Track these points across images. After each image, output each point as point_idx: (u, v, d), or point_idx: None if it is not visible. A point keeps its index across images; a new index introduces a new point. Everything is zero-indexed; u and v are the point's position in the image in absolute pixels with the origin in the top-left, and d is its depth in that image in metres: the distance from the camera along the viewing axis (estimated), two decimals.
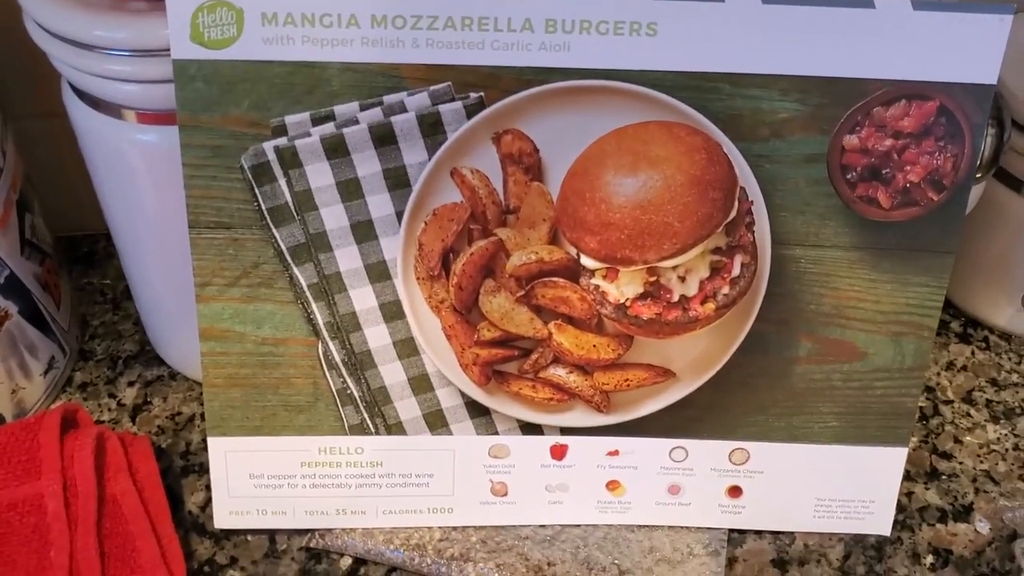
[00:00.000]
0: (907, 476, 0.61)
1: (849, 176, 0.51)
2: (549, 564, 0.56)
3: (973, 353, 0.69)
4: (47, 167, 0.70)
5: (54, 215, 0.68)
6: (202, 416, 0.65)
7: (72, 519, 0.54)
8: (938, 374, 0.68)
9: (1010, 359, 0.69)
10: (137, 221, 0.58)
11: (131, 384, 0.67)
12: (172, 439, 0.64)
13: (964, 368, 0.68)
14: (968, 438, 0.64)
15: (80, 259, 0.75)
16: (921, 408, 0.66)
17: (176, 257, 0.57)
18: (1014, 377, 0.68)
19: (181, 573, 0.55)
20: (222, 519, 0.57)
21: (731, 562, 0.57)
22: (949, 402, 0.66)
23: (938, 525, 0.59)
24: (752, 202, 0.51)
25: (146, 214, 0.57)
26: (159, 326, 0.66)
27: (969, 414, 0.65)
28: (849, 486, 0.57)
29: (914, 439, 0.64)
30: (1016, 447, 0.63)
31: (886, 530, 0.58)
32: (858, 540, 0.58)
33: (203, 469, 0.62)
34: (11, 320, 0.60)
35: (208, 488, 0.60)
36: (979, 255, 0.68)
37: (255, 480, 0.56)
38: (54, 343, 0.65)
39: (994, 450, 0.63)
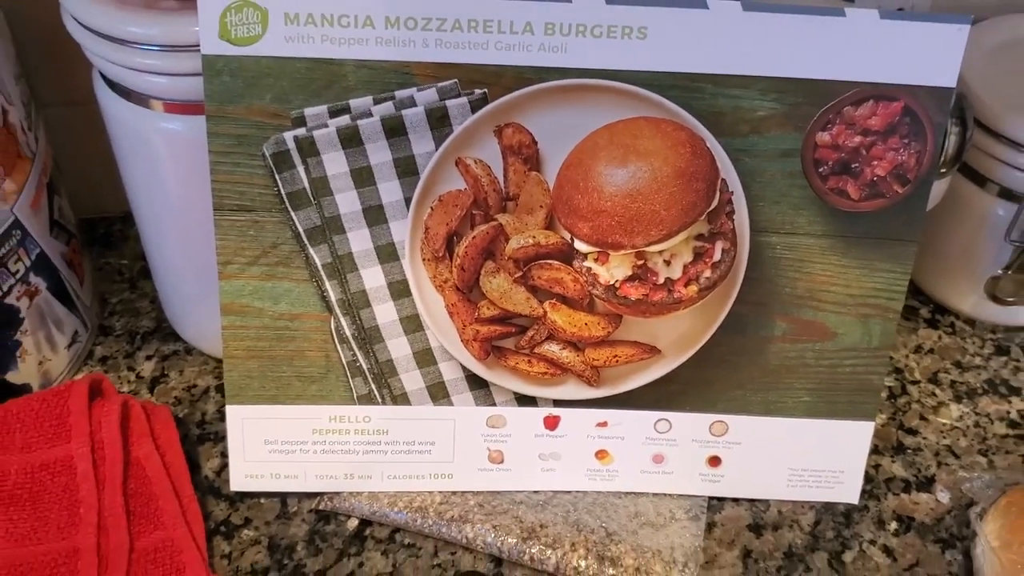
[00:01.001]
0: (875, 450, 0.66)
1: (821, 170, 0.55)
2: (542, 526, 0.61)
3: (940, 337, 0.74)
4: (67, 152, 0.74)
5: (74, 198, 0.72)
6: (217, 388, 0.69)
7: (100, 479, 0.59)
8: (907, 356, 0.73)
9: (974, 343, 0.74)
10: (160, 204, 0.62)
11: (149, 358, 0.71)
12: (188, 409, 0.68)
13: (931, 351, 0.73)
14: (933, 416, 0.69)
15: (98, 240, 0.79)
16: (890, 388, 0.70)
17: (195, 239, 0.62)
18: (977, 360, 0.73)
19: (200, 530, 0.59)
20: (238, 482, 0.61)
21: (710, 527, 0.62)
22: (916, 382, 0.71)
23: (902, 495, 0.64)
24: (732, 193, 0.56)
25: (169, 198, 0.61)
26: (177, 304, 0.70)
27: (934, 394, 0.70)
28: (820, 457, 0.62)
29: (882, 416, 0.68)
30: (976, 424, 0.68)
31: (854, 498, 0.63)
32: (828, 507, 0.63)
33: (218, 437, 0.66)
34: (40, 295, 0.65)
35: (223, 455, 0.65)
36: (946, 246, 0.72)
37: (269, 446, 0.61)
38: (78, 318, 0.69)
39: (956, 427, 0.68)
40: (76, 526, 0.57)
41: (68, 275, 0.67)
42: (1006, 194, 0.67)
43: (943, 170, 0.63)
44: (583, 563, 0.59)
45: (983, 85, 0.66)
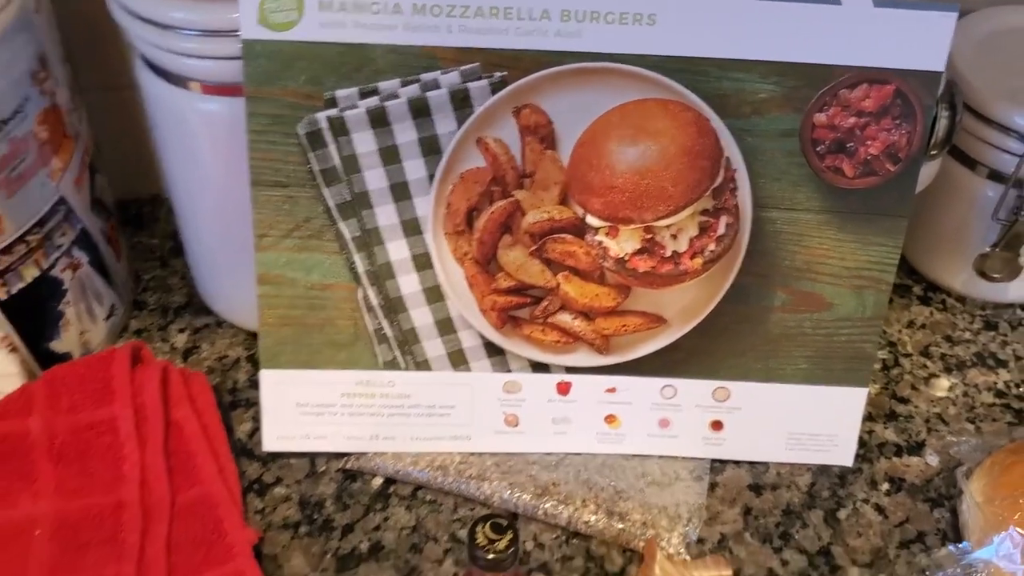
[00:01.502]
0: (868, 417, 0.70)
1: (818, 149, 0.59)
2: (554, 484, 0.64)
3: (931, 313, 0.78)
4: (99, 137, 0.78)
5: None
6: (247, 358, 0.73)
7: (142, 439, 0.63)
8: (900, 331, 0.76)
9: (964, 319, 0.78)
10: (196, 182, 0.66)
11: (181, 331, 0.75)
12: (220, 378, 0.72)
13: (923, 326, 0.77)
14: (923, 386, 0.72)
15: (130, 221, 0.83)
16: (883, 360, 0.74)
17: (229, 215, 0.66)
18: (966, 335, 0.76)
19: (236, 487, 0.63)
20: (270, 443, 0.65)
21: (713, 487, 0.66)
22: (908, 355, 0.75)
23: (894, 458, 0.68)
24: (736, 170, 0.59)
25: (205, 176, 0.65)
26: (209, 279, 0.74)
27: (925, 365, 0.74)
28: (817, 421, 0.66)
29: (876, 386, 0.72)
30: (965, 394, 0.72)
31: (849, 461, 0.67)
32: (824, 470, 0.67)
33: (249, 403, 0.70)
34: (82, 269, 0.68)
35: (254, 419, 0.69)
36: (938, 226, 0.76)
37: (301, 408, 0.64)
38: (115, 292, 0.73)
39: (946, 396, 0.72)
40: (120, 482, 0.61)
41: (107, 251, 0.71)
42: (995, 176, 0.71)
43: (934, 152, 0.67)
44: (593, 518, 0.63)
45: (973, 72, 0.70)
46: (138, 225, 0.83)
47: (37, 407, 0.63)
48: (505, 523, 0.50)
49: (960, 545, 0.60)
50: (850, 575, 0.61)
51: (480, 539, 0.49)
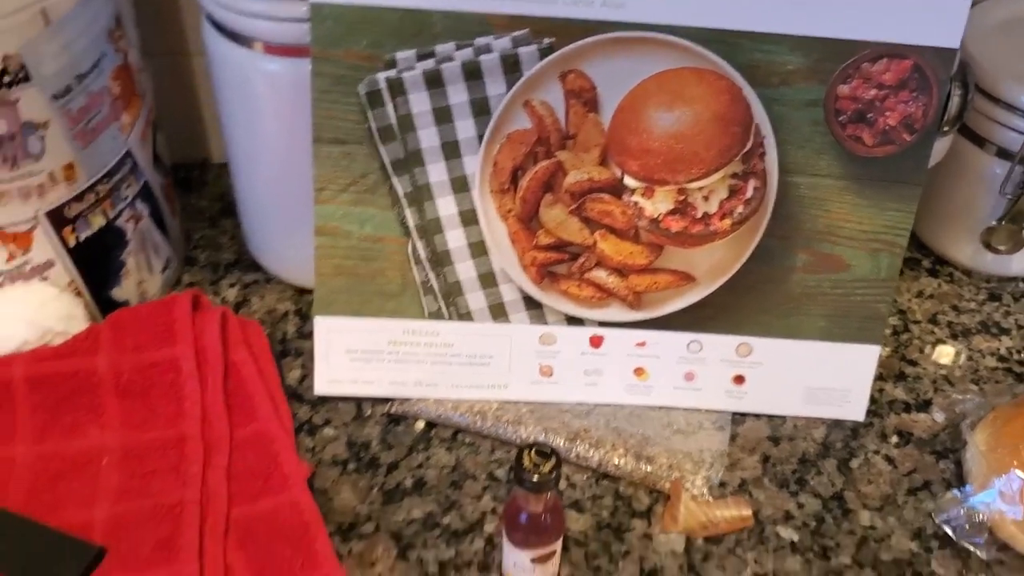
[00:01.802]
0: (879, 377, 0.74)
1: (841, 118, 0.63)
2: (585, 430, 0.69)
3: (939, 285, 0.82)
4: (157, 100, 0.82)
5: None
6: (295, 312, 0.77)
7: (202, 378, 0.67)
8: (909, 300, 0.81)
9: (970, 290, 0.82)
10: (255, 141, 0.70)
11: (232, 285, 0.79)
12: (270, 330, 0.76)
13: (931, 296, 0.81)
14: (930, 350, 0.77)
15: (180, 183, 0.87)
16: (894, 326, 0.79)
17: (284, 174, 0.70)
18: (972, 305, 0.81)
19: (289, 424, 0.68)
20: (322, 386, 0.70)
21: (733, 437, 0.70)
22: (917, 322, 0.79)
23: (903, 414, 0.72)
24: (764, 137, 0.64)
25: (264, 134, 0.70)
26: (260, 236, 0.78)
27: (933, 332, 0.78)
28: (832, 377, 0.70)
29: (887, 349, 0.76)
30: (970, 358, 0.76)
31: (861, 416, 0.71)
32: (837, 423, 0.71)
33: (297, 353, 0.74)
34: (143, 222, 0.73)
35: (303, 367, 0.73)
36: (947, 202, 0.80)
37: (350, 354, 0.69)
38: (170, 247, 0.77)
39: (951, 360, 0.76)
40: (182, 417, 0.65)
41: (164, 206, 0.76)
42: (1003, 153, 0.75)
43: (946, 128, 0.71)
44: (622, 460, 0.67)
45: (985, 55, 0.74)
46: (188, 188, 0.88)
47: (103, 346, 0.67)
48: (549, 450, 0.54)
49: (964, 489, 0.65)
50: (861, 518, 0.66)
51: (527, 463, 0.54)
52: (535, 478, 0.54)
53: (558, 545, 0.58)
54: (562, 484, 0.67)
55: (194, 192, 0.87)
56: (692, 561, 0.63)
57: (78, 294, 0.70)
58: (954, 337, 0.78)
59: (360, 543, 0.63)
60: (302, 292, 0.79)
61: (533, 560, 0.58)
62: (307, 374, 0.72)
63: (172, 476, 0.62)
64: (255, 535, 0.60)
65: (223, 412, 0.66)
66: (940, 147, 0.73)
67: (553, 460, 0.54)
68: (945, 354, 0.76)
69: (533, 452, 0.54)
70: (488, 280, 0.68)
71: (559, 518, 0.57)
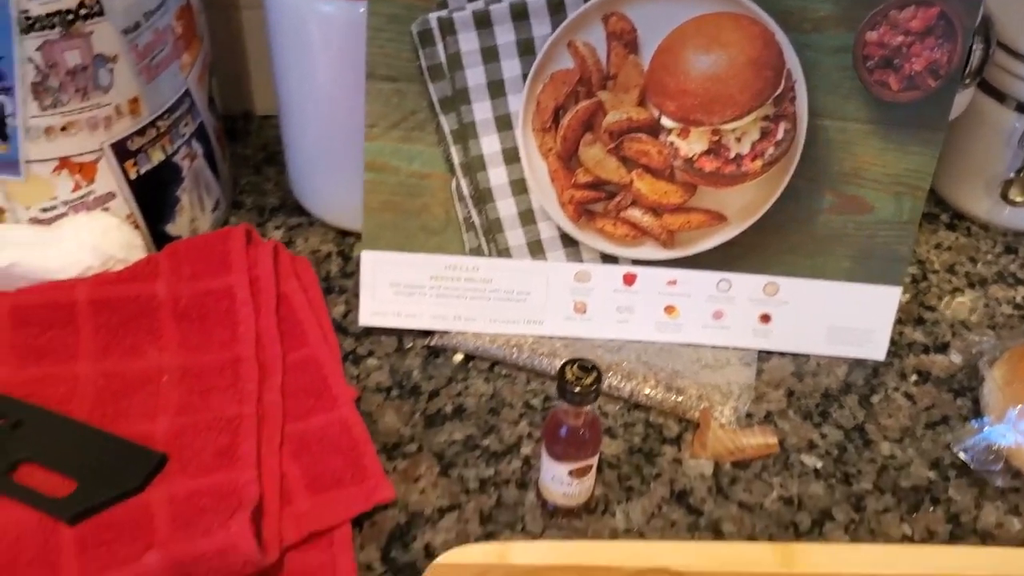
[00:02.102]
0: (898, 321, 0.77)
1: (868, 64, 0.66)
2: (617, 364, 0.72)
3: (957, 238, 0.86)
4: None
5: None
6: (338, 253, 0.81)
7: (256, 306, 0.70)
8: (928, 251, 0.84)
9: (987, 244, 0.85)
10: (307, 84, 0.74)
11: (277, 228, 0.83)
12: (315, 269, 0.79)
13: (949, 248, 0.85)
14: (949, 297, 0.80)
15: (225, 133, 0.91)
16: (913, 275, 0.82)
17: (333, 118, 0.74)
18: (989, 257, 0.84)
19: (336, 352, 0.71)
20: (366, 318, 0.73)
21: (759, 373, 0.73)
22: (936, 272, 0.82)
23: (921, 355, 0.75)
24: (795, 81, 0.67)
25: (316, 77, 0.73)
26: (306, 180, 0.81)
27: (951, 281, 0.82)
28: (855, 317, 0.73)
29: (906, 295, 0.80)
30: (986, 305, 0.79)
31: (881, 355, 0.74)
32: (859, 363, 0.74)
33: (341, 290, 0.78)
34: (197, 161, 0.76)
35: (346, 303, 0.76)
36: (965, 157, 0.83)
37: (394, 288, 0.72)
38: (220, 188, 0.81)
39: (968, 307, 0.79)
40: (237, 341, 0.69)
41: (217, 148, 0.79)
42: (1022, 108, 0.78)
43: (967, 80, 0.75)
44: (653, 391, 0.70)
45: (1008, 13, 0.77)
46: (232, 138, 0.91)
47: (162, 273, 0.70)
48: (590, 365, 0.57)
49: (981, 420, 0.68)
50: (882, 448, 0.69)
51: (569, 376, 0.57)
52: (576, 390, 0.57)
53: (595, 460, 0.61)
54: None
55: (239, 142, 0.91)
56: (720, 484, 0.66)
57: (136, 227, 0.73)
58: (971, 286, 0.81)
59: (404, 461, 0.66)
60: (344, 234, 0.82)
61: (571, 473, 0.61)
62: (350, 310, 0.76)
63: (229, 393, 0.66)
64: (308, 448, 0.64)
65: (276, 337, 0.69)
66: (960, 101, 0.76)
67: (594, 374, 0.57)
68: (962, 301, 0.79)
69: (576, 366, 0.57)
70: (527, 217, 0.71)
71: (596, 433, 0.60)
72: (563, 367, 0.57)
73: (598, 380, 0.57)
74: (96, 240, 0.69)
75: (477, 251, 0.72)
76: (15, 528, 0.59)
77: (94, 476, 0.61)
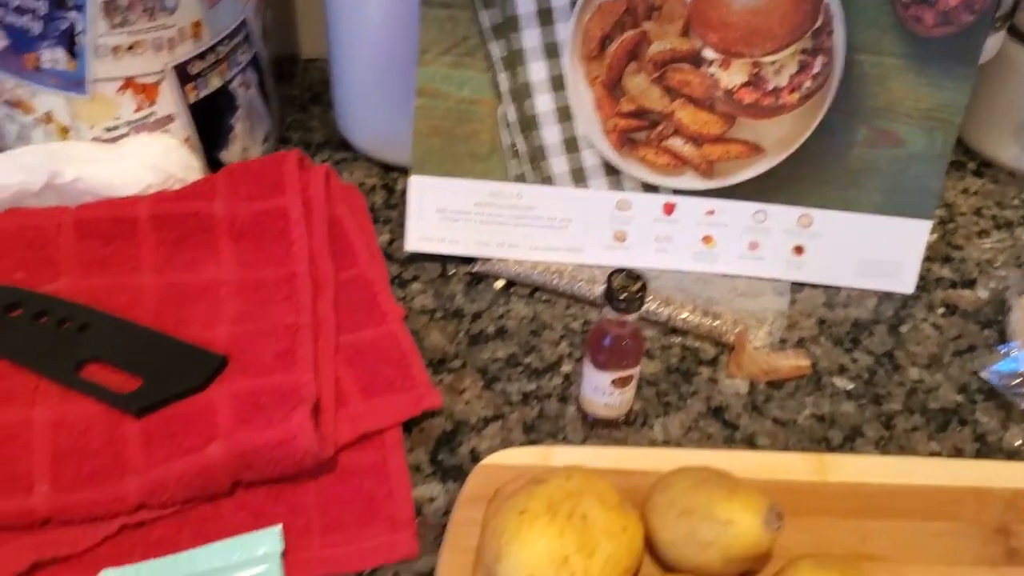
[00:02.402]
0: (927, 259, 0.79)
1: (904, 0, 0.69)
2: (655, 291, 0.74)
3: (984, 184, 0.88)
4: None
5: None
6: (382, 186, 0.83)
7: (309, 226, 0.73)
8: (955, 196, 0.86)
9: (1012, 190, 0.87)
10: (359, 15, 0.76)
11: (323, 161, 0.86)
12: None
13: (976, 193, 0.87)
14: (976, 238, 0.82)
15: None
16: (940, 216, 0.84)
17: (383, 52, 0.76)
18: (1015, 202, 0.86)
19: (384, 272, 0.73)
20: (413, 243, 0.76)
21: (792, 302, 0.76)
22: (963, 214, 0.84)
23: (949, 290, 0.78)
24: (833, 16, 0.69)
25: (368, 8, 0.75)
26: (353, 115, 0.84)
27: (978, 223, 0.84)
28: (885, 250, 0.75)
29: (934, 235, 0.82)
30: (1013, 246, 0.82)
31: (910, 288, 0.77)
32: (888, 295, 0.77)
33: (385, 220, 0.80)
34: (251, 90, 0.79)
35: (391, 232, 0.79)
36: (993, 104, 0.86)
37: (441, 214, 0.75)
38: (271, 120, 0.83)
39: (995, 247, 0.81)
40: (291, 258, 0.71)
41: (267, 80, 0.82)
42: None
43: (997, 24, 0.77)
44: (690, 316, 0.73)
45: None
46: (279, 78, 0.94)
47: (220, 193, 0.73)
48: (637, 275, 0.60)
49: (1008, 344, 0.70)
50: (911, 373, 0.71)
51: (616, 284, 0.60)
52: (623, 296, 0.59)
53: (636, 371, 0.64)
54: None
55: (285, 83, 0.94)
56: (755, 401, 0.69)
57: (192, 150, 0.76)
58: (998, 228, 0.83)
59: (450, 375, 0.69)
60: (388, 169, 0.85)
61: (613, 382, 0.63)
62: (395, 238, 0.78)
63: (285, 304, 0.68)
64: (360, 357, 0.67)
65: (328, 256, 0.72)
66: (990, 45, 0.79)
67: (640, 283, 0.60)
68: (989, 241, 0.82)
69: (623, 275, 0.60)
70: (571, 145, 0.73)
71: (639, 344, 0.63)
72: (611, 275, 0.60)
73: (643, 289, 0.60)
74: (157, 159, 0.72)
75: (521, 178, 0.74)
76: (84, 420, 0.61)
77: (158, 374, 0.63)
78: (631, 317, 0.61)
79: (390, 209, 0.81)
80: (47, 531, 0.57)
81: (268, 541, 0.58)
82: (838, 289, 0.77)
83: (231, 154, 0.79)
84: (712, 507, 0.54)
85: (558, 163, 0.74)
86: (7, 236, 0.70)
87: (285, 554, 0.58)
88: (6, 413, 0.61)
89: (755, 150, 0.73)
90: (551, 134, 0.73)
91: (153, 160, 0.72)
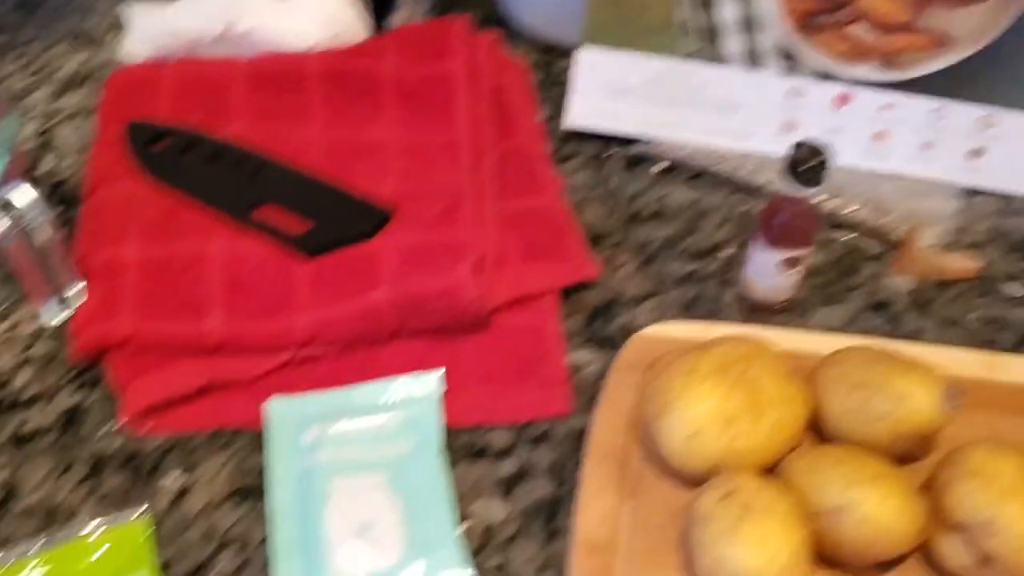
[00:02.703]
0: None
1: None
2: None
3: None
4: None
5: None
6: (543, 64, 0.82)
7: (473, 92, 0.73)
8: None
9: None
10: None
11: None
12: None
13: None
14: None
15: None
16: None
17: None
18: None
19: (543, 145, 0.73)
20: (575, 118, 0.75)
21: (965, 207, 0.72)
22: None
23: None
24: None
25: None
26: None
27: None
28: None
29: None
30: None
31: None
32: None
33: (543, 99, 0.79)
34: None
35: (548, 110, 0.78)
36: None
37: (605, 89, 0.73)
38: None
39: None
40: (453, 124, 0.71)
41: None
42: None
43: None
44: (858, 210, 0.70)
45: None
46: None
47: (388, 54, 0.73)
48: (820, 148, 0.58)
49: None
50: None
51: (798, 154, 0.58)
52: (804, 168, 0.57)
53: (806, 253, 0.62)
54: None
55: None
56: (920, 300, 0.66)
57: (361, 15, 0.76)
58: None
59: (607, 250, 0.68)
60: (545, 50, 0.83)
61: (781, 263, 0.62)
62: (553, 116, 0.77)
63: (449, 167, 0.68)
64: (520, 223, 0.67)
65: (490, 124, 0.72)
66: None
67: (823, 157, 0.58)
68: None
69: (806, 147, 0.58)
70: (747, 24, 0.71)
71: (813, 223, 0.61)
72: (794, 146, 0.58)
73: (825, 162, 0.58)
74: (327, 16, 0.73)
75: (693, 56, 0.72)
76: (256, 257, 0.63)
77: (328, 220, 0.64)
78: (810, 191, 0.59)
79: (549, 87, 0.80)
80: (220, 357, 0.59)
81: (429, 383, 0.59)
82: (1013, 199, 0.73)
83: (396, 21, 0.79)
84: (889, 380, 0.52)
85: (734, 42, 0.72)
86: (185, 81, 0.71)
87: (443, 398, 0.59)
88: (183, 244, 0.63)
89: (943, 41, 0.69)
90: (730, 11, 0.71)
91: (324, 16, 0.72)
